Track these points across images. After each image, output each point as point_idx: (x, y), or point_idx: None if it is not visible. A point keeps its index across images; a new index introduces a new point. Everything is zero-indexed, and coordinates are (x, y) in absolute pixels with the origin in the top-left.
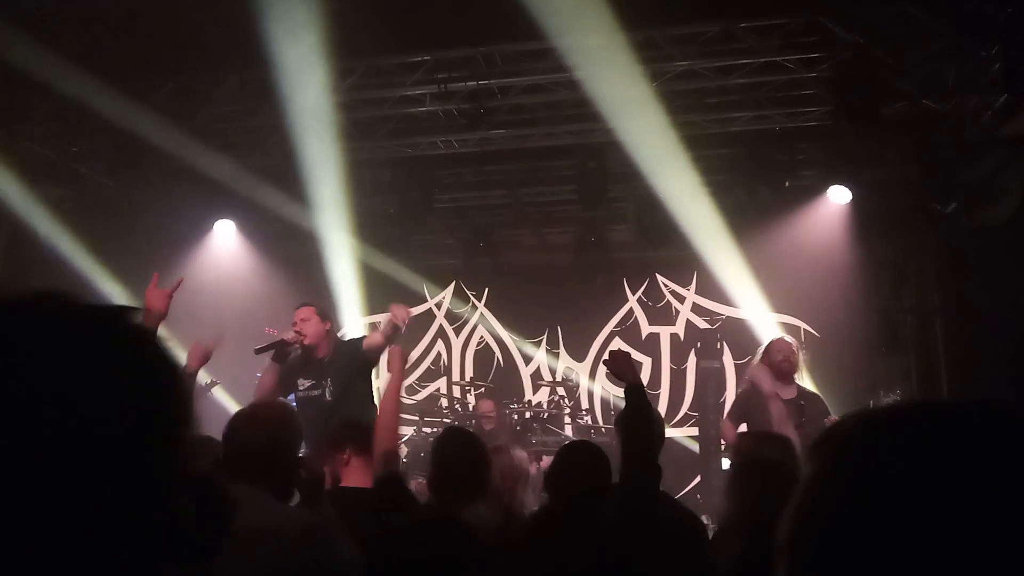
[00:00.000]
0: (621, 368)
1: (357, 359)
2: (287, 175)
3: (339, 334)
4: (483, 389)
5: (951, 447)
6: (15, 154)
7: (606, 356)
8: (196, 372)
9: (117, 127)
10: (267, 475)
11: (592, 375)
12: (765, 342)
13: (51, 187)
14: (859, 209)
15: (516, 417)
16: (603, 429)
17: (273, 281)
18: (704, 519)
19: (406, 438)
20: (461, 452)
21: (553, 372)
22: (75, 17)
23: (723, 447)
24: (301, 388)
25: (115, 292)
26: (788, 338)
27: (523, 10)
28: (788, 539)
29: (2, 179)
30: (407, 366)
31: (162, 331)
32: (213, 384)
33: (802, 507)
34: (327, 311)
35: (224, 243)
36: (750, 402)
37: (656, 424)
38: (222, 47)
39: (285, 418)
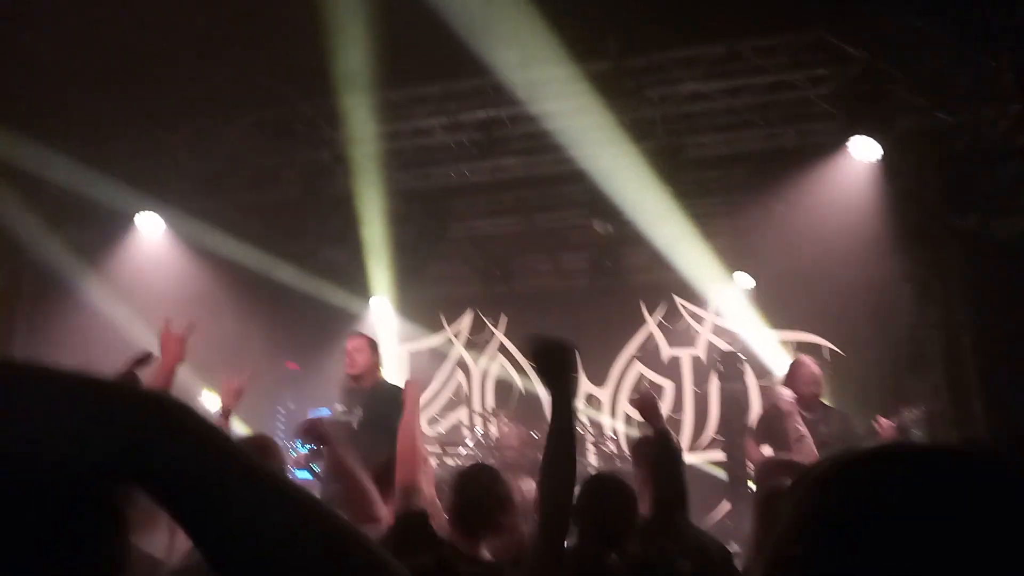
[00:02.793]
0: (652, 415)
1: (392, 408)
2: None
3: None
4: (505, 417)
5: (911, 493)
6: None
7: (634, 395)
8: (231, 409)
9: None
10: None
11: (614, 401)
12: (788, 364)
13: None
14: (877, 224)
15: (541, 446)
16: (627, 456)
17: (288, 314)
18: (735, 546)
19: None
20: (485, 491)
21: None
22: (87, 67)
23: (750, 469)
24: (335, 411)
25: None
26: (815, 366)
27: (529, 39)
28: (768, 559)
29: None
30: (424, 400)
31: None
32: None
33: (785, 537)
34: (377, 344)
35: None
36: (772, 421)
37: (680, 463)
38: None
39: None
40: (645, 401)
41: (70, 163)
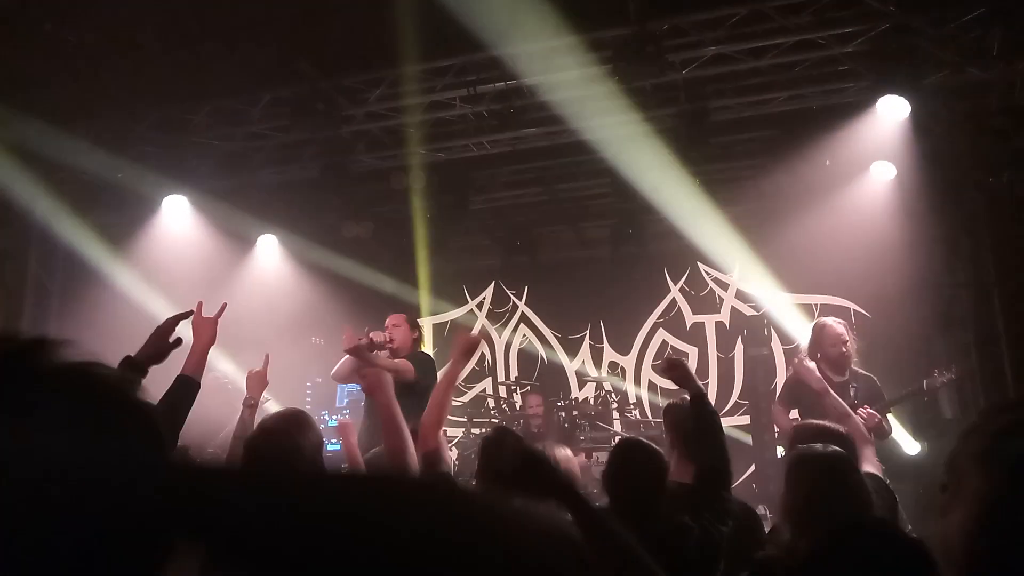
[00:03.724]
0: (682, 377)
1: (421, 374)
2: (324, 187)
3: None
4: (528, 387)
5: None
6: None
7: (658, 361)
8: (258, 399)
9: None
10: None
11: (638, 369)
12: (812, 328)
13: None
14: (906, 184)
15: (563, 415)
16: (652, 423)
17: (315, 292)
18: (761, 508)
19: (456, 440)
20: (506, 450)
21: (598, 368)
22: (115, 45)
23: (777, 434)
24: None
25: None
26: (839, 325)
27: (547, 8)
28: (963, 551)
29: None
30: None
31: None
32: (266, 400)
33: (978, 522)
34: (416, 321)
35: (270, 258)
36: (799, 387)
37: (719, 427)
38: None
39: None
40: (675, 365)
41: (94, 148)
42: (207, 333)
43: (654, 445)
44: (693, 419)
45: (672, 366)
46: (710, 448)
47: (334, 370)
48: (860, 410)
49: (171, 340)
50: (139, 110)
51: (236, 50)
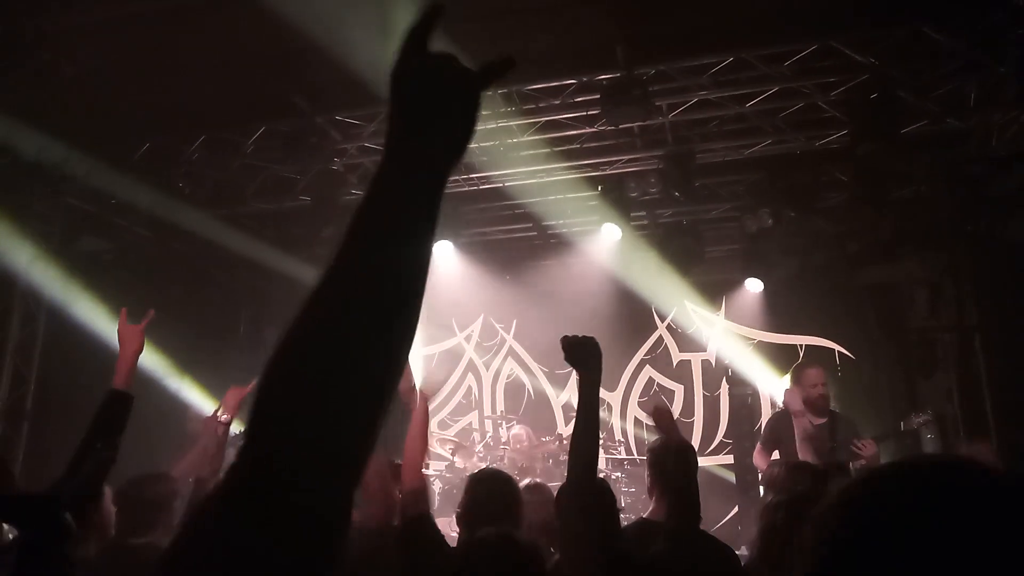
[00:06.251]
0: (667, 428)
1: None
2: (316, 218)
3: None
4: (515, 420)
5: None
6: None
7: (644, 399)
8: (232, 419)
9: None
10: None
11: (624, 405)
12: (792, 373)
13: (91, 240)
14: (889, 227)
15: (550, 450)
16: (637, 460)
17: None
18: (744, 549)
19: (439, 475)
20: (496, 490)
21: None
22: (108, 72)
23: (759, 476)
24: None
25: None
26: (818, 373)
27: (537, 52)
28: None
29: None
30: (433, 404)
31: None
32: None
33: (813, 539)
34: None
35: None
36: (780, 426)
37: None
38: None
39: None
40: (660, 413)
41: (88, 173)
42: (135, 341)
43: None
44: (673, 463)
45: (659, 415)
46: (686, 488)
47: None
48: (863, 441)
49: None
50: (132, 139)
51: (231, 82)
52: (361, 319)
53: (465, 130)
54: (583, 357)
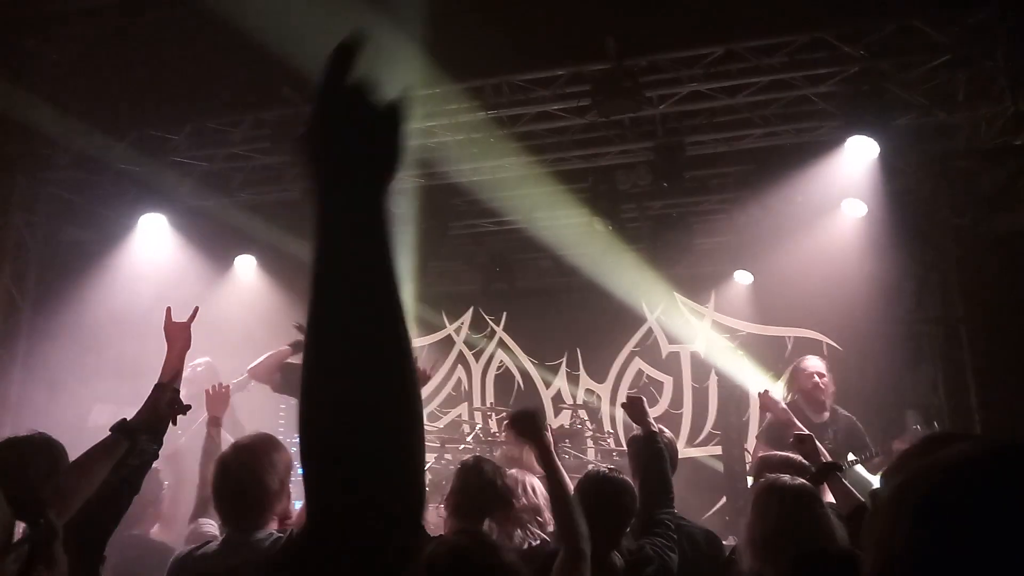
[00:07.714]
0: (638, 414)
1: None
2: (304, 209)
3: None
4: (505, 412)
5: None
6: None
7: (634, 390)
8: (221, 417)
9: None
10: None
11: (614, 397)
12: (791, 366)
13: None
14: (876, 221)
15: None
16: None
17: (292, 315)
18: (731, 539)
19: (428, 466)
20: (485, 479)
21: (574, 395)
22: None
23: (748, 466)
24: None
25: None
26: (815, 358)
27: (531, 42)
28: None
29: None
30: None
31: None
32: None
33: (885, 559)
34: None
35: (244, 279)
36: (782, 427)
37: (669, 462)
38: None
39: None
40: (632, 403)
41: (74, 163)
42: (181, 338)
43: (623, 476)
44: (641, 450)
45: (629, 404)
46: (652, 473)
47: (253, 364)
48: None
49: (175, 407)
50: (120, 128)
51: (219, 72)
52: (364, 377)
53: (389, 162)
54: (530, 429)
